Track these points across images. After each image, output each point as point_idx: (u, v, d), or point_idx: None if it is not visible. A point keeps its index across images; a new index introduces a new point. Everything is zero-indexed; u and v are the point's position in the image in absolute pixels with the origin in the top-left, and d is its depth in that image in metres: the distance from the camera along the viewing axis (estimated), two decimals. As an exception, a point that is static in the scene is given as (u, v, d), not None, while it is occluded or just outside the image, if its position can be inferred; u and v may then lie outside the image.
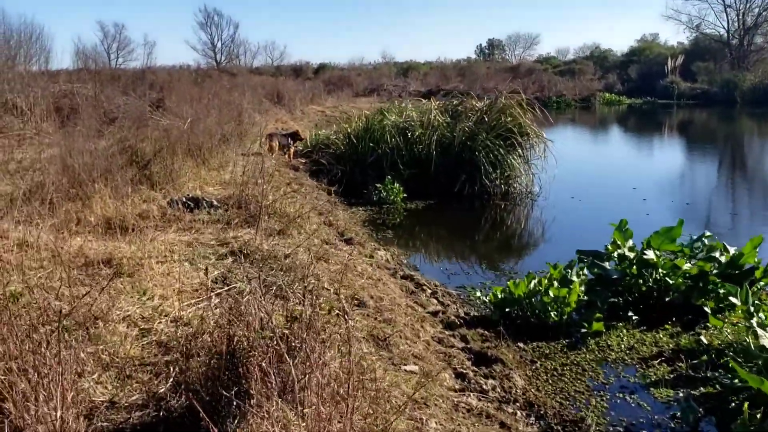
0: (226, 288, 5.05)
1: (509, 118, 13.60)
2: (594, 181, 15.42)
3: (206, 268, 5.50)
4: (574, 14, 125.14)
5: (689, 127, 33.38)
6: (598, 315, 5.95)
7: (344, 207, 11.44)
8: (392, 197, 12.27)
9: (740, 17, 55.46)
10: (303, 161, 14.88)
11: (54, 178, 8.44)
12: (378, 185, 12.42)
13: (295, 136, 14.79)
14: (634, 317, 6.18)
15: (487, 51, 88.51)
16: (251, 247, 6.17)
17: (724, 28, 56.65)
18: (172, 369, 3.67)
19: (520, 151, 13.56)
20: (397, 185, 12.36)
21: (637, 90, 52.92)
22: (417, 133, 13.80)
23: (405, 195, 12.30)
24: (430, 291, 6.70)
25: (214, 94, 19.66)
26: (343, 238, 8.30)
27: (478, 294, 6.41)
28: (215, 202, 8.23)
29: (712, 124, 34.19)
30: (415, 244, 9.91)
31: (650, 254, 6.29)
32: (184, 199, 8.10)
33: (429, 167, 13.16)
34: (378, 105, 40.44)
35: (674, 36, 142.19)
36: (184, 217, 7.57)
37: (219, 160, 12.13)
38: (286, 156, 14.37)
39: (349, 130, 14.56)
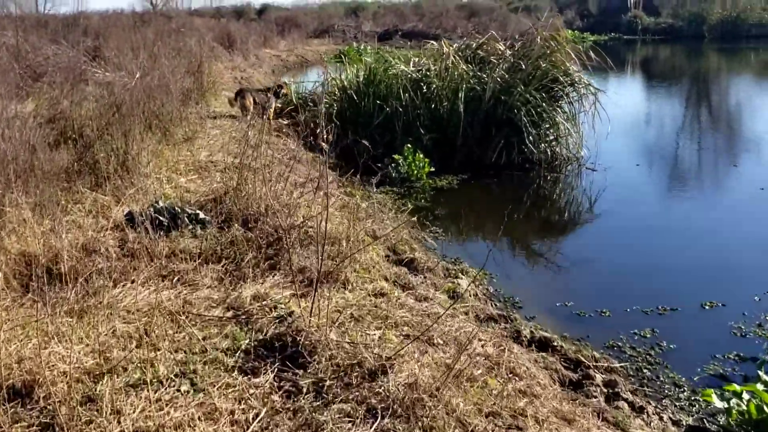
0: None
1: (548, 64, 10.73)
2: (651, 141, 12.84)
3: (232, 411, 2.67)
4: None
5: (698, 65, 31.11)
6: None
7: (354, 188, 8.47)
8: (416, 172, 9.39)
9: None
10: (286, 122, 11.78)
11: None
12: (395, 156, 9.52)
13: (275, 91, 11.62)
14: None
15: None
16: (300, 332, 3.29)
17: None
18: None
19: (565, 105, 10.79)
20: (420, 156, 9.48)
21: (599, 25, 50.87)
22: (434, 87, 10.84)
23: (431, 169, 9.46)
24: (599, 377, 3.95)
25: (160, 40, 16.18)
26: (401, 260, 5.45)
27: (715, 401, 3.66)
28: (202, 214, 5.24)
29: (707, 62, 31.98)
30: (479, 249, 7.13)
31: None
32: (152, 211, 5.08)
33: (454, 131, 10.27)
34: (334, 47, 37.41)
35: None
36: (158, 248, 4.59)
37: (185, 130, 9.01)
38: (266, 117, 11.22)
39: (345, 83, 11.46)
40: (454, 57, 11.23)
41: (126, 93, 8.27)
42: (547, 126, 10.50)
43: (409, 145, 9.60)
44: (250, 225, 4.95)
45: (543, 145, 10.38)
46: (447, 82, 10.79)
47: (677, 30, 46.86)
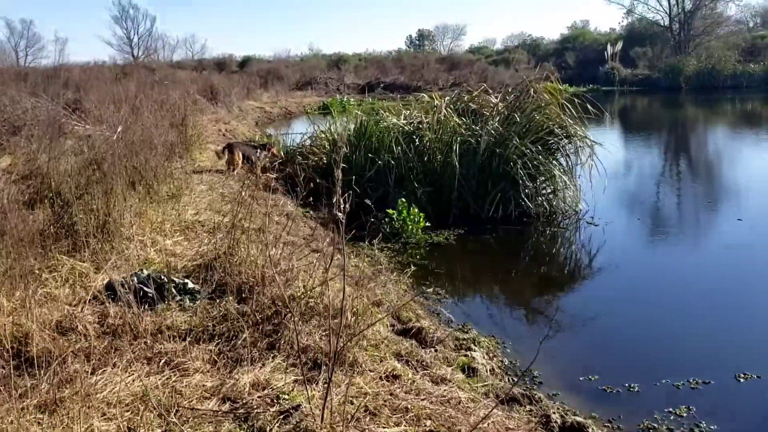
0: None
1: (542, 117, 10.51)
2: (648, 194, 12.64)
3: None
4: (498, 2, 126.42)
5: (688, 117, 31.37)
6: None
7: (348, 246, 8.01)
8: (411, 227, 9.01)
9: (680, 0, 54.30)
10: (275, 176, 11.40)
11: None
12: (389, 211, 9.15)
13: (268, 148, 11.34)
14: None
15: (417, 42, 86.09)
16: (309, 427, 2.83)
17: (665, 11, 55.50)
18: None
19: (561, 158, 10.55)
20: (415, 210, 9.12)
21: (576, 78, 51.45)
22: (427, 140, 10.55)
23: (427, 224, 9.10)
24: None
25: (142, 92, 15.90)
26: (407, 329, 5.01)
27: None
28: (190, 283, 4.78)
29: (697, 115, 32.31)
30: (484, 311, 6.72)
31: None
32: (136, 281, 4.61)
33: (449, 184, 9.95)
34: (317, 98, 37.49)
35: (606, 22, 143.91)
36: (143, 325, 4.11)
37: (169, 187, 8.57)
38: (253, 173, 10.82)
39: (335, 136, 11.16)
40: (446, 109, 11.00)
41: (107, 148, 7.87)
42: (544, 179, 10.24)
43: (403, 199, 9.25)
44: (244, 295, 4.50)
45: (540, 198, 10.09)
46: (440, 135, 10.53)
47: (654, 81, 47.65)
